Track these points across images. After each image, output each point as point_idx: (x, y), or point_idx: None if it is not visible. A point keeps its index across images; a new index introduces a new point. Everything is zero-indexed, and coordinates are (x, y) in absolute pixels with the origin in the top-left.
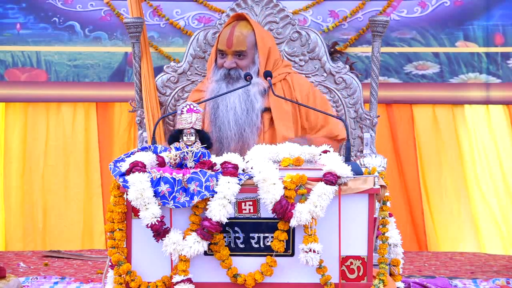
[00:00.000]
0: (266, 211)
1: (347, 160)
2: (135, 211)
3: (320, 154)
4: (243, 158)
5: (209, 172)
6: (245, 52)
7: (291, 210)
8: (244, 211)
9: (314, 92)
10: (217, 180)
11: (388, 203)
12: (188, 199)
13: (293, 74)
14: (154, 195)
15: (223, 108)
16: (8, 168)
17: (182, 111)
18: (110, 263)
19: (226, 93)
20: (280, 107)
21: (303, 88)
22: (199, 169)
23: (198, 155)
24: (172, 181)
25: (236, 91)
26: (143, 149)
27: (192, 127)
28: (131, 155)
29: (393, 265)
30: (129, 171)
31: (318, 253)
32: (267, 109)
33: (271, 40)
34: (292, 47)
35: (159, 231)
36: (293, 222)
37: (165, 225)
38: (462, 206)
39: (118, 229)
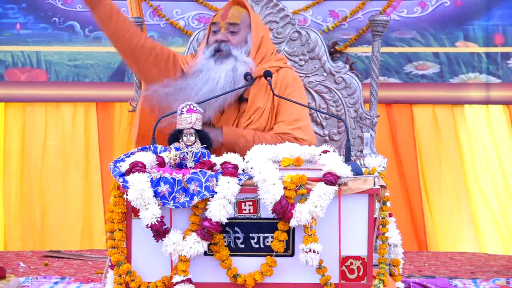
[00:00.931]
0: (266, 211)
1: (347, 160)
2: (135, 211)
3: (320, 154)
4: (243, 158)
5: (209, 172)
6: (238, 26)
7: (291, 210)
8: (244, 211)
9: (294, 86)
10: (217, 180)
11: (388, 203)
12: (188, 199)
13: (285, 69)
14: (154, 195)
15: (203, 79)
16: (7, 168)
17: (181, 111)
18: (110, 263)
19: (226, 93)
20: (255, 103)
21: (284, 82)
22: (199, 169)
23: (198, 155)
24: (172, 181)
25: (224, 67)
26: (143, 149)
27: (192, 127)
28: (131, 155)
29: (393, 265)
30: (129, 171)
31: (318, 253)
32: (245, 99)
33: (265, 31)
34: (292, 47)
35: (159, 231)
36: (293, 222)
37: (165, 225)
38: (462, 206)
39: (118, 229)
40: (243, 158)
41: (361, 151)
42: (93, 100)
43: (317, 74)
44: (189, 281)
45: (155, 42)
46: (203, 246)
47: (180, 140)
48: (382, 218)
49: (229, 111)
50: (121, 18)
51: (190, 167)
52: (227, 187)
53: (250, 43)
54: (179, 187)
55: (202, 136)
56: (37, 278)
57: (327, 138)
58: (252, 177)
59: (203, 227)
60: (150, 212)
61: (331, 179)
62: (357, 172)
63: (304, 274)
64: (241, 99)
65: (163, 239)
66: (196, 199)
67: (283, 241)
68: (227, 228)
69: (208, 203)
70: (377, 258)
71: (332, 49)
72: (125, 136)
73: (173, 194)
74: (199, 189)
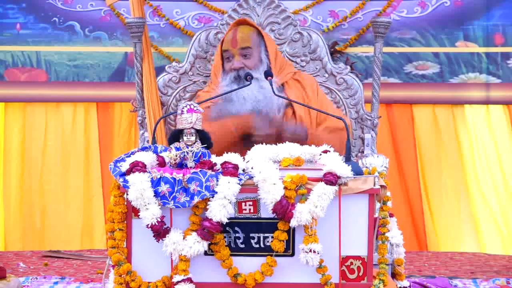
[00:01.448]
0: (266, 211)
1: (348, 160)
2: (135, 211)
3: (320, 154)
4: (244, 158)
5: (209, 172)
6: (250, 49)
7: (291, 210)
8: (244, 211)
9: (319, 90)
10: (217, 180)
11: (389, 203)
12: (188, 199)
13: (299, 72)
14: (154, 195)
15: (238, 100)
16: (7, 168)
17: (182, 111)
18: (110, 263)
19: (226, 93)
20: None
21: (313, 86)
22: (199, 169)
23: (198, 155)
24: (172, 181)
25: (252, 90)
26: (143, 149)
27: (192, 127)
28: (131, 155)
29: (398, 265)
30: (129, 171)
31: (318, 253)
32: (289, 105)
33: (274, 43)
34: (294, 48)
35: (159, 231)
36: (293, 222)
37: (165, 225)
38: (462, 206)
39: (118, 229)
40: (244, 158)
41: (362, 152)
42: (93, 100)
43: (318, 75)
44: (189, 280)
45: None
46: (203, 246)
47: (180, 140)
48: (382, 218)
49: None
50: None
51: (191, 167)
52: (227, 187)
53: (265, 60)
54: (180, 187)
55: (202, 136)
56: (37, 278)
57: None
58: (252, 177)
59: (203, 227)
60: (150, 212)
61: (331, 179)
62: (357, 172)
63: (304, 274)
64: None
65: (163, 239)
66: (196, 199)
67: (283, 241)
68: (227, 228)
69: (209, 203)
70: (377, 258)
71: (332, 49)
72: (125, 136)
73: (174, 194)
74: (199, 189)
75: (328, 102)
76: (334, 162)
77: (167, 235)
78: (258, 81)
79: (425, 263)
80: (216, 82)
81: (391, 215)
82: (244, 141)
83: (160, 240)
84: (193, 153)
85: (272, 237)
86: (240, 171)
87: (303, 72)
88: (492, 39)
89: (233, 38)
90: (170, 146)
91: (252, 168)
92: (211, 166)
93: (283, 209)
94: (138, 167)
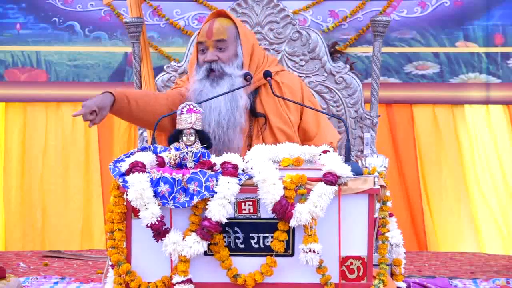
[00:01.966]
0: (266, 211)
1: (347, 160)
2: (135, 211)
3: (320, 154)
4: (243, 158)
5: (209, 172)
6: (226, 42)
7: (291, 210)
8: (244, 211)
9: (306, 92)
10: (217, 180)
11: (389, 203)
12: (188, 199)
13: (282, 72)
14: (154, 195)
15: (206, 110)
16: (7, 168)
17: (181, 111)
18: (110, 263)
19: (226, 93)
20: (279, 113)
21: (294, 89)
22: (199, 169)
23: (198, 155)
24: (172, 181)
25: (220, 90)
26: (143, 149)
27: (192, 127)
28: (131, 155)
29: (395, 265)
30: (129, 171)
31: (318, 253)
32: (259, 114)
33: (253, 38)
34: (293, 47)
35: (159, 231)
36: (293, 222)
37: (165, 225)
38: (462, 206)
39: (117, 229)
40: (243, 158)
41: (361, 151)
42: None
43: (317, 74)
44: (189, 281)
45: (169, 97)
46: (203, 246)
47: (180, 140)
48: (382, 218)
49: (255, 135)
50: (141, 107)
51: (190, 167)
52: (227, 187)
53: (241, 55)
54: (179, 187)
55: (202, 136)
56: (37, 278)
57: None
58: (252, 177)
59: (203, 227)
60: (150, 212)
61: (331, 179)
62: (357, 172)
63: (304, 274)
64: (254, 114)
65: (163, 239)
66: (196, 199)
67: (283, 241)
68: (227, 228)
69: (208, 203)
70: (377, 258)
71: (332, 49)
72: (125, 136)
73: (173, 194)
74: (199, 189)
75: (318, 107)
76: (334, 162)
77: (166, 235)
78: (231, 78)
79: (425, 263)
80: (191, 75)
81: (391, 215)
82: None
83: (160, 240)
84: (192, 153)
85: (272, 237)
86: (239, 171)
87: (290, 71)
88: (492, 39)
89: (209, 30)
90: (170, 146)
91: (251, 168)
92: (211, 166)
93: (283, 209)
94: (137, 167)
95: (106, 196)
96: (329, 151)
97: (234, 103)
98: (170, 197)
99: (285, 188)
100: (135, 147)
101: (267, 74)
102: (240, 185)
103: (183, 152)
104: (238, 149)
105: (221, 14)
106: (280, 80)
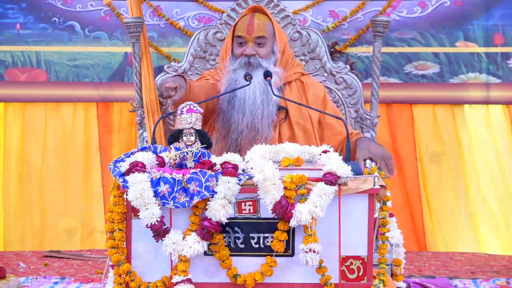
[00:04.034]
0: (266, 211)
1: (347, 160)
2: (135, 211)
3: (320, 154)
4: (243, 158)
5: (209, 172)
6: (265, 39)
7: (291, 210)
8: (244, 211)
9: (328, 98)
10: (217, 180)
11: (389, 203)
12: (188, 199)
13: (307, 76)
14: (154, 195)
15: (241, 98)
16: (7, 168)
17: (182, 111)
18: (110, 263)
19: (225, 93)
20: (300, 108)
21: (318, 92)
22: (199, 169)
23: (198, 155)
24: (172, 181)
25: (255, 80)
26: (143, 149)
27: (192, 127)
28: (131, 155)
29: (395, 265)
30: (129, 171)
31: (318, 253)
32: (281, 108)
33: (285, 37)
34: (293, 47)
35: (159, 231)
36: (293, 222)
37: (165, 225)
38: (462, 206)
39: (118, 229)
40: (243, 158)
41: None
42: (93, 100)
43: (317, 74)
44: (189, 281)
45: (205, 85)
46: (203, 246)
47: (180, 140)
48: (382, 218)
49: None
50: (194, 93)
51: (190, 167)
52: (227, 187)
53: (277, 52)
54: (179, 187)
55: (202, 136)
56: (37, 278)
57: None
58: (252, 177)
59: (203, 227)
60: (150, 212)
61: (331, 179)
62: (357, 172)
63: (304, 274)
64: (279, 108)
65: (163, 239)
66: (196, 199)
67: (283, 241)
68: (227, 228)
69: (208, 203)
70: (377, 258)
71: (332, 49)
72: (125, 136)
73: (173, 194)
74: (199, 189)
75: (336, 114)
76: (334, 162)
77: (166, 235)
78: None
79: (425, 263)
80: (223, 66)
81: (391, 215)
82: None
83: (160, 240)
84: (192, 153)
85: (272, 237)
86: (240, 171)
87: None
88: (492, 39)
89: (249, 25)
90: (170, 146)
91: (252, 168)
92: (211, 166)
93: (283, 209)
94: (137, 167)
95: (106, 196)
96: (329, 151)
97: (268, 97)
98: (170, 197)
99: (285, 188)
100: (135, 147)
101: (266, 74)
102: (240, 185)
103: (183, 152)
104: (266, 138)
105: (258, 9)
106: (305, 81)
